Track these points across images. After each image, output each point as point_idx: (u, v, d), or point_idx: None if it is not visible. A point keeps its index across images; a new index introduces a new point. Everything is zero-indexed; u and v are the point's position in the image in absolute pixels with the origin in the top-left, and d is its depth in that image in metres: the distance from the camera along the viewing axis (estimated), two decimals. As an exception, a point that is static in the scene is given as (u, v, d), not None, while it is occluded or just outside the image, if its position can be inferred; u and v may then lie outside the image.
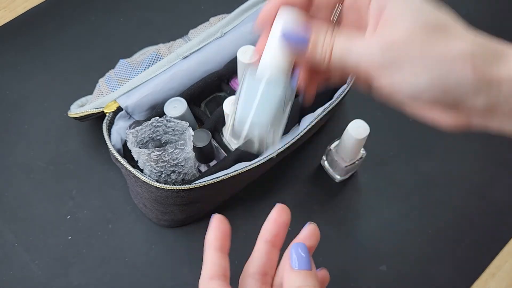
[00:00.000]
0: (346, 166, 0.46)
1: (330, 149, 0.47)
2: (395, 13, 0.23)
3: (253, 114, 0.25)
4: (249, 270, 0.28)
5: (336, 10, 0.28)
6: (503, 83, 0.22)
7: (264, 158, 0.44)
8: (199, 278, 0.31)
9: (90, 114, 0.46)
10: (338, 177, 0.51)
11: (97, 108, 0.46)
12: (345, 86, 0.48)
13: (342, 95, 0.47)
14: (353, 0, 0.26)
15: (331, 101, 0.47)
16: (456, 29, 0.23)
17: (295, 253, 0.27)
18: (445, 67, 0.22)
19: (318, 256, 0.48)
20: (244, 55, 0.46)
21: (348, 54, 0.24)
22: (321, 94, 0.48)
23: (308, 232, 0.29)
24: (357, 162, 0.46)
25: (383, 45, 0.23)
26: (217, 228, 0.28)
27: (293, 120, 0.48)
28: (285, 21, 0.26)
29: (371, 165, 0.54)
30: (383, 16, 0.23)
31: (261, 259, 0.29)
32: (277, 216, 0.29)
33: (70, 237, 0.49)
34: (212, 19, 0.52)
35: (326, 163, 0.52)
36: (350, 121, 0.44)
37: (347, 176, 0.52)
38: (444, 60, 0.22)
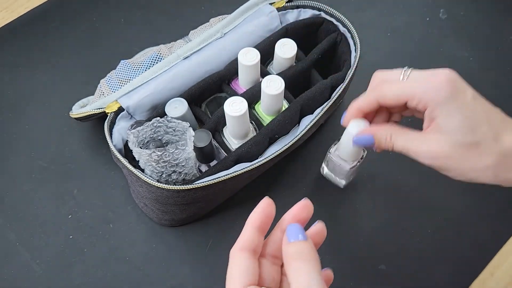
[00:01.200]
0: (351, 168, 0.46)
1: (330, 154, 0.47)
2: (442, 127, 0.32)
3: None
4: (266, 251, 0.30)
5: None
6: None
7: (265, 158, 0.45)
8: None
9: (91, 114, 0.47)
10: (343, 182, 0.51)
11: (99, 109, 0.46)
12: (342, 84, 0.48)
13: (338, 92, 0.48)
14: (412, 110, 0.36)
15: (329, 100, 0.48)
16: (487, 145, 0.31)
17: (289, 230, 0.28)
18: (475, 174, 0.32)
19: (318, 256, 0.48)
20: (244, 57, 0.46)
21: (406, 151, 0.34)
22: (320, 94, 0.49)
23: (301, 206, 0.30)
24: (360, 161, 0.46)
25: (431, 154, 0.33)
26: (262, 210, 0.30)
27: (293, 121, 0.49)
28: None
29: (371, 165, 0.54)
30: (433, 124, 0.33)
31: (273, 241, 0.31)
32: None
33: (71, 237, 0.49)
34: (212, 20, 0.53)
35: (326, 170, 0.51)
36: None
37: (350, 179, 0.52)
38: (475, 171, 0.32)
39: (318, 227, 0.32)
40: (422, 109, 0.33)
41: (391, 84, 0.34)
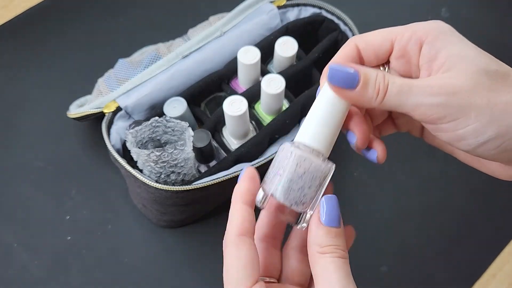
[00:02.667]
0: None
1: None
2: (453, 58, 0.22)
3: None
4: (258, 234, 0.27)
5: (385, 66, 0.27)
6: None
7: (265, 159, 0.44)
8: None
9: (89, 114, 0.46)
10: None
11: (96, 108, 0.46)
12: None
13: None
14: (401, 50, 0.25)
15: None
16: None
17: (327, 206, 0.24)
18: (503, 123, 0.21)
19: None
20: (244, 56, 0.46)
21: (407, 92, 0.22)
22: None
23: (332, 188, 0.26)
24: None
25: (448, 90, 0.21)
26: (249, 179, 0.25)
27: (293, 120, 0.48)
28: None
29: (371, 165, 0.53)
30: (437, 62, 0.23)
31: (264, 222, 0.28)
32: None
33: (69, 238, 0.48)
34: (211, 18, 0.52)
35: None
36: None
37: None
38: (505, 114, 0.21)
39: (350, 228, 0.28)
40: (416, 48, 0.24)
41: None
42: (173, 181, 0.44)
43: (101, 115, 0.46)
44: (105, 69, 0.50)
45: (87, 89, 0.51)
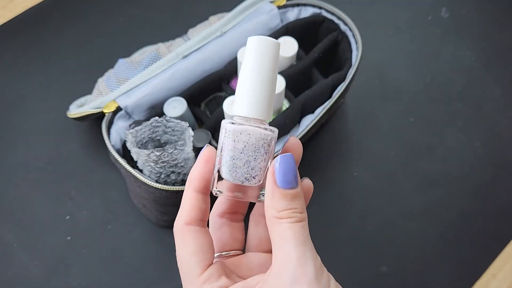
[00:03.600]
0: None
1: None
2: None
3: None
4: (218, 211, 0.26)
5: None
6: None
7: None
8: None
9: (89, 114, 0.46)
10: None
11: (96, 108, 0.46)
12: (343, 83, 0.47)
13: (340, 91, 0.47)
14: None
15: (330, 100, 0.47)
16: None
17: (282, 167, 0.22)
18: None
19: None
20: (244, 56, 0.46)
21: None
22: (321, 93, 0.48)
23: (290, 144, 0.25)
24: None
25: None
26: (203, 162, 0.24)
27: (293, 120, 0.48)
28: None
29: (371, 165, 0.53)
30: None
31: (223, 202, 0.26)
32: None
33: (69, 238, 0.48)
34: (211, 18, 0.52)
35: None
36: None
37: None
38: None
39: (306, 182, 0.26)
40: None
41: None
42: (173, 181, 0.44)
43: (101, 115, 0.46)
44: (105, 69, 0.50)
45: (87, 89, 0.51)
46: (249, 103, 0.23)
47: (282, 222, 0.22)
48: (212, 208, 0.27)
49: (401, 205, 0.51)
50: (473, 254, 0.49)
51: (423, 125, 0.56)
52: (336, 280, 0.28)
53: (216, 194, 0.25)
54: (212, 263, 0.24)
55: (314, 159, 0.53)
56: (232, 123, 0.23)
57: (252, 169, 0.23)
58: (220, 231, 0.27)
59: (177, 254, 0.24)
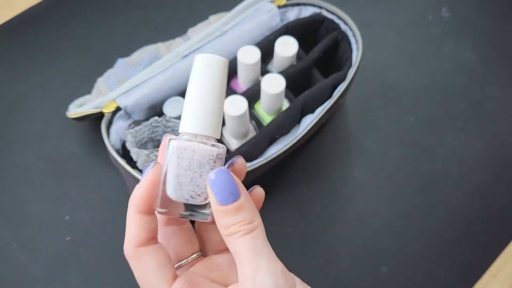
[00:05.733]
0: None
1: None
2: None
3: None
4: (163, 219, 0.25)
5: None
6: None
7: (265, 159, 0.44)
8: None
9: (88, 114, 0.46)
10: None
11: (96, 108, 0.46)
12: (343, 83, 0.47)
13: (340, 91, 0.47)
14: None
15: (330, 99, 0.47)
16: None
17: (216, 184, 0.22)
18: None
19: (318, 257, 0.48)
20: (244, 56, 0.46)
21: None
22: (321, 93, 0.48)
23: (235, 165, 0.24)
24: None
25: None
26: (149, 185, 0.22)
27: (293, 120, 0.48)
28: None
29: (371, 165, 0.53)
30: None
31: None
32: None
33: (68, 238, 0.48)
34: (211, 18, 0.52)
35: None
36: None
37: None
38: None
39: (257, 191, 0.25)
40: None
41: None
42: (172, 181, 0.44)
43: (100, 115, 0.46)
44: (105, 69, 0.50)
45: (87, 89, 0.51)
46: (195, 120, 0.23)
47: (233, 238, 0.21)
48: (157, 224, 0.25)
49: (401, 205, 0.51)
50: (473, 254, 0.49)
51: (423, 125, 0.56)
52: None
53: (160, 213, 0.23)
54: (176, 277, 0.23)
55: (314, 159, 0.53)
56: (175, 140, 0.22)
57: (197, 186, 0.23)
58: (173, 241, 0.25)
59: (136, 279, 0.23)
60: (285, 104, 0.49)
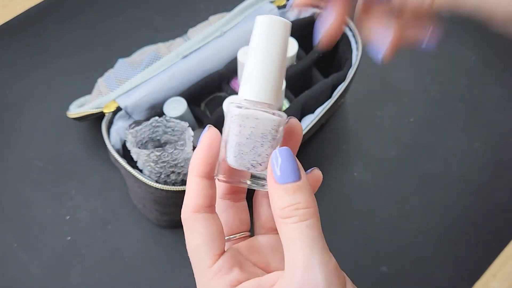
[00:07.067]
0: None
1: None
2: None
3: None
4: (219, 193, 0.25)
5: None
6: None
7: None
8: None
9: (89, 114, 0.46)
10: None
11: (96, 108, 0.46)
12: (343, 83, 0.47)
13: (340, 91, 0.47)
14: None
15: (330, 100, 0.47)
16: None
17: (278, 161, 0.21)
18: None
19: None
20: (244, 56, 0.46)
21: None
22: (321, 93, 0.48)
23: (291, 125, 0.23)
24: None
25: None
26: (206, 147, 0.22)
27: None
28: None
29: (371, 165, 0.53)
30: None
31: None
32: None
33: (69, 238, 0.48)
34: (211, 18, 0.52)
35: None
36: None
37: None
38: None
39: (315, 173, 0.25)
40: None
41: None
42: (173, 181, 0.44)
43: (101, 115, 0.46)
44: (105, 69, 0.50)
45: (87, 89, 0.51)
46: (256, 87, 0.22)
47: (286, 222, 0.21)
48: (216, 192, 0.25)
49: (401, 205, 0.51)
50: (473, 254, 0.49)
51: (423, 125, 0.56)
52: None
53: (220, 180, 0.23)
54: (224, 252, 0.22)
55: (314, 159, 0.53)
56: (239, 107, 0.22)
57: (258, 156, 0.22)
58: (225, 214, 0.25)
59: (186, 244, 0.23)
60: (285, 104, 0.49)
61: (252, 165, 0.22)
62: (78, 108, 0.48)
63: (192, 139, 0.42)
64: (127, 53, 0.53)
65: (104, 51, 0.60)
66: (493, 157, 0.55)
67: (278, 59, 0.22)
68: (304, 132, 0.46)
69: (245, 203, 0.26)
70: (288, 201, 0.21)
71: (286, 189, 0.21)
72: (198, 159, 0.22)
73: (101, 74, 0.50)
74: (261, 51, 0.22)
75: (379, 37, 0.21)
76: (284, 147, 0.22)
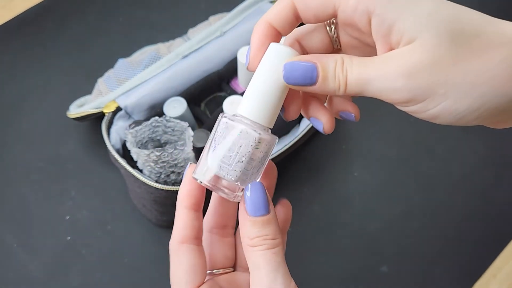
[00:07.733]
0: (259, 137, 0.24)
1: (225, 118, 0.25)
2: (410, 27, 0.19)
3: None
4: (207, 226, 0.27)
5: (332, 31, 0.24)
6: None
7: (264, 158, 0.44)
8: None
9: (89, 114, 0.46)
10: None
11: (96, 108, 0.46)
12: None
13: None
14: (348, 19, 0.21)
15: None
16: (487, 33, 0.19)
17: (251, 195, 0.23)
18: (487, 84, 0.18)
19: (319, 257, 0.48)
20: (244, 55, 0.46)
21: (366, 82, 0.20)
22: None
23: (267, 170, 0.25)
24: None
25: (405, 72, 0.19)
26: (190, 181, 0.24)
27: (293, 120, 0.48)
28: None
29: (371, 165, 0.53)
30: (393, 36, 0.20)
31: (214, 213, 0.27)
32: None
33: (69, 238, 0.48)
34: (211, 18, 0.52)
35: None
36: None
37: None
38: (484, 77, 0.18)
39: (284, 204, 0.27)
40: (364, 20, 0.20)
41: None
42: (173, 181, 0.44)
43: (101, 115, 0.46)
44: (105, 69, 0.50)
45: (87, 89, 0.51)
46: (255, 107, 0.23)
47: (255, 250, 0.22)
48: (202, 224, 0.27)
49: (401, 205, 0.51)
50: (473, 254, 0.49)
51: (423, 125, 0.56)
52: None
53: (195, 179, 0.24)
54: (203, 283, 0.24)
55: (314, 159, 0.53)
56: (231, 120, 0.23)
57: (234, 166, 0.23)
58: (211, 248, 0.27)
59: (170, 271, 0.25)
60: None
61: (227, 173, 0.23)
62: (78, 108, 0.48)
63: (192, 139, 0.42)
64: (127, 53, 0.53)
65: (104, 51, 0.60)
66: (493, 157, 0.55)
67: (281, 87, 0.23)
68: (304, 132, 0.46)
69: (232, 240, 0.28)
70: (257, 232, 0.22)
71: (255, 221, 0.22)
72: (184, 192, 0.24)
73: (101, 74, 0.50)
74: (267, 75, 0.23)
75: (317, 115, 0.25)
76: (257, 181, 0.23)
